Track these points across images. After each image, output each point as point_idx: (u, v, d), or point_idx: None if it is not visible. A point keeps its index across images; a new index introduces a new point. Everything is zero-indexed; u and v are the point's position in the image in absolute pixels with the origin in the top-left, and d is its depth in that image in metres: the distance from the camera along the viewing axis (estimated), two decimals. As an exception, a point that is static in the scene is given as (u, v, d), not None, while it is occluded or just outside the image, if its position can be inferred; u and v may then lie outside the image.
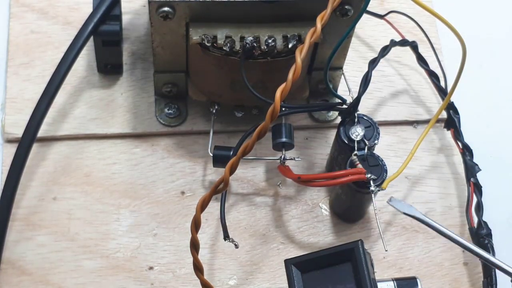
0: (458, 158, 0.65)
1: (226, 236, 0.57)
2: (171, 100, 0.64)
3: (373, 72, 0.60)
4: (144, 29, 0.67)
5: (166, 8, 0.55)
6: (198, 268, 0.51)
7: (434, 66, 0.67)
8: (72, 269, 0.59)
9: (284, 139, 0.60)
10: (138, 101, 0.65)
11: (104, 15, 0.61)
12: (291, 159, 0.61)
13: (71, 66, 0.60)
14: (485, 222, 0.61)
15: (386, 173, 0.57)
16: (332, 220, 0.63)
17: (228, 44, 0.56)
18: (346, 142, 0.58)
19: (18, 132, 0.62)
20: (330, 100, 0.65)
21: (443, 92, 0.66)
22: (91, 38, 0.61)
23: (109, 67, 0.65)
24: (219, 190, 0.51)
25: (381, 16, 0.68)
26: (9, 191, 0.57)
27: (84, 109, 0.64)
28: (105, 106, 0.65)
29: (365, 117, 0.59)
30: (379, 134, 0.59)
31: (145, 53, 0.67)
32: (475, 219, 0.61)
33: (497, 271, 0.58)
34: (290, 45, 0.56)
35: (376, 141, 0.58)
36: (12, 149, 0.61)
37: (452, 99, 0.64)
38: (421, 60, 0.67)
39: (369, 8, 0.61)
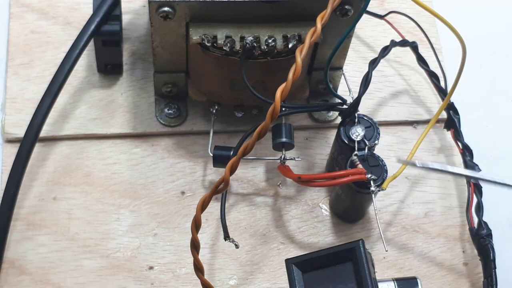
0: (458, 158, 0.65)
1: (226, 236, 0.57)
2: (171, 100, 0.64)
3: (373, 72, 0.60)
4: (144, 29, 0.67)
5: (166, 8, 0.55)
6: (198, 268, 0.51)
7: (434, 66, 0.67)
8: (72, 269, 0.59)
9: (284, 139, 0.60)
10: (138, 101, 0.65)
11: (106, 15, 0.61)
12: (291, 159, 0.61)
13: (74, 66, 0.60)
14: (485, 223, 0.61)
15: (386, 173, 0.57)
16: (332, 220, 0.63)
17: (228, 44, 0.56)
18: (346, 142, 0.58)
19: (18, 132, 0.62)
20: (330, 100, 0.65)
21: (443, 93, 0.66)
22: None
23: (109, 67, 0.65)
24: (219, 190, 0.51)
25: (381, 16, 0.68)
26: (12, 190, 0.57)
27: (84, 109, 0.64)
28: (105, 106, 0.65)
29: (365, 117, 0.59)
30: (379, 134, 0.59)
31: (145, 53, 0.67)
32: (475, 220, 0.61)
33: (497, 271, 0.59)
34: (290, 45, 0.56)
35: (376, 141, 0.58)
36: (11, 149, 0.61)
37: (452, 99, 0.64)
38: (421, 61, 0.67)
39: (369, 8, 0.61)
